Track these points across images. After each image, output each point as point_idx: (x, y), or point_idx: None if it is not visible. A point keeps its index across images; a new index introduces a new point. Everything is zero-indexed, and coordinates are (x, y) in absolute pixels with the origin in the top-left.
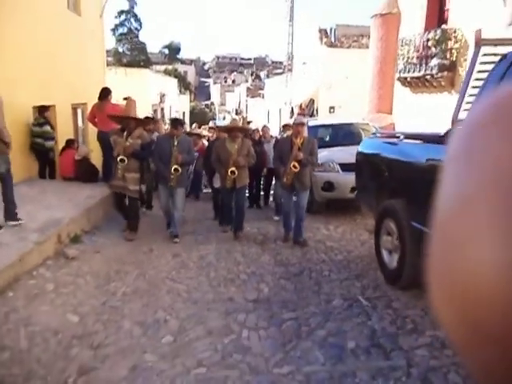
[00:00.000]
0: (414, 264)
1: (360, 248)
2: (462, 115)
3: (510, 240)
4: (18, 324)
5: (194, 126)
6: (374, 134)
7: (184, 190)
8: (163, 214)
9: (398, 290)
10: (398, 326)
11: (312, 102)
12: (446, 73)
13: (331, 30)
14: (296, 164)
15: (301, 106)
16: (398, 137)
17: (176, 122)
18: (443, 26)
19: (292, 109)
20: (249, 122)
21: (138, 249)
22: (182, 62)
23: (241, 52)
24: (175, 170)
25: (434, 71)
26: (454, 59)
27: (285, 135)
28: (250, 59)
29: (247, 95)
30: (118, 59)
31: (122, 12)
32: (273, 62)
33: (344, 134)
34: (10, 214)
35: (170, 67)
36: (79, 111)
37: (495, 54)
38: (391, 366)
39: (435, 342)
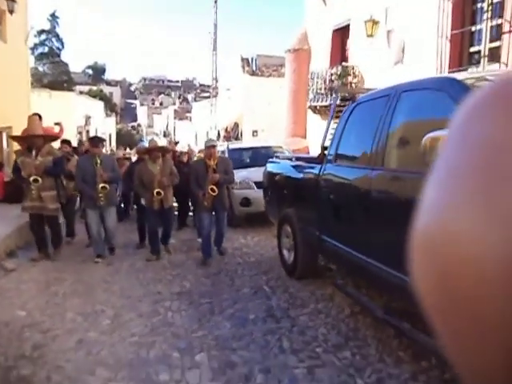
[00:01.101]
0: (304, 259)
1: (270, 252)
2: (327, 143)
3: (485, 206)
4: None
5: (125, 149)
6: (275, 156)
7: (115, 208)
8: (93, 242)
9: (295, 280)
10: (290, 303)
11: (237, 125)
12: (346, 103)
13: (252, 59)
14: (214, 187)
15: (226, 129)
16: (291, 159)
17: (96, 140)
18: (343, 63)
19: (218, 132)
20: (176, 143)
21: (73, 259)
22: (108, 83)
23: (168, 74)
24: (102, 188)
25: (337, 101)
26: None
27: (195, 158)
28: (177, 81)
29: (175, 117)
30: (37, 79)
31: (42, 31)
32: (200, 85)
33: (260, 156)
34: None
35: (94, 88)
36: (4, 135)
37: (348, 99)
38: (279, 327)
39: (315, 311)
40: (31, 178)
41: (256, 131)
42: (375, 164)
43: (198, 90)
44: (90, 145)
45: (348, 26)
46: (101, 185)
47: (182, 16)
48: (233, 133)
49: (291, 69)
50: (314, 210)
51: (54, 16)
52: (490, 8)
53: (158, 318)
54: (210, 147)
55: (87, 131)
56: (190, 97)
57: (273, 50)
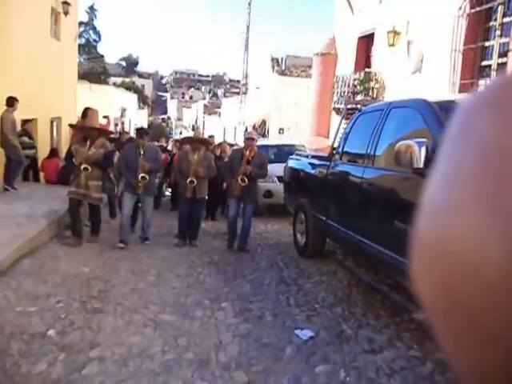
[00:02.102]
0: (313, 241)
1: (287, 238)
2: (336, 144)
3: (487, 211)
4: (51, 271)
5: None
6: (295, 154)
7: (152, 198)
8: (121, 226)
9: (305, 259)
10: (299, 275)
11: (264, 122)
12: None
13: (282, 59)
14: (244, 178)
15: (254, 125)
16: (307, 156)
17: (141, 131)
18: (366, 70)
19: (246, 128)
20: (211, 136)
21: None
22: (140, 75)
23: (199, 68)
24: (142, 177)
25: (359, 105)
26: (375, 96)
27: (236, 148)
28: (207, 76)
29: (204, 112)
30: None
31: (81, 23)
32: (230, 81)
33: (283, 153)
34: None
35: (127, 80)
36: (54, 124)
37: (355, 109)
38: (288, 290)
39: (319, 281)
40: (82, 166)
41: (282, 129)
42: (368, 163)
43: (228, 86)
44: (136, 136)
45: (373, 34)
46: (141, 175)
47: (215, 11)
48: (260, 129)
49: (318, 71)
50: (323, 199)
51: (92, 8)
52: (500, 27)
53: (192, 278)
54: (248, 139)
55: (122, 123)
56: (219, 92)
57: (302, 50)
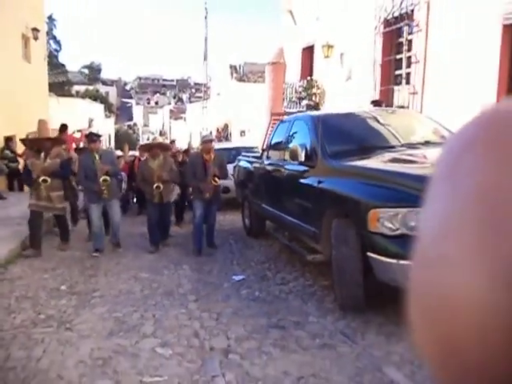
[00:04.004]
0: (255, 223)
1: (239, 224)
2: (268, 153)
3: (488, 265)
4: (51, 255)
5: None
6: (242, 154)
7: (118, 201)
8: (94, 236)
9: (251, 238)
10: (243, 247)
11: (226, 126)
12: (312, 110)
13: (240, 66)
14: (216, 179)
15: (218, 129)
16: (249, 156)
17: (92, 136)
18: (308, 78)
19: (211, 132)
20: (172, 141)
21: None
22: (103, 82)
23: (163, 73)
24: (104, 180)
25: (304, 109)
26: (317, 101)
27: (194, 152)
28: (172, 80)
29: (170, 117)
30: None
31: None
32: (195, 84)
33: (239, 154)
34: None
35: (91, 88)
36: None
37: (278, 119)
38: (233, 256)
39: (258, 251)
40: (40, 179)
41: (244, 131)
42: (280, 159)
43: (193, 90)
44: (87, 141)
45: (313, 46)
46: (102, 177)
47: (176, 15)
48: (223, 133)
49: (270, 79)
50: (258, 189)
51: (51, 18)
52: (407, 43)
53: (162, 252)
54: (207, 142)
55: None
56: (184, 96)
57: (259, 57)
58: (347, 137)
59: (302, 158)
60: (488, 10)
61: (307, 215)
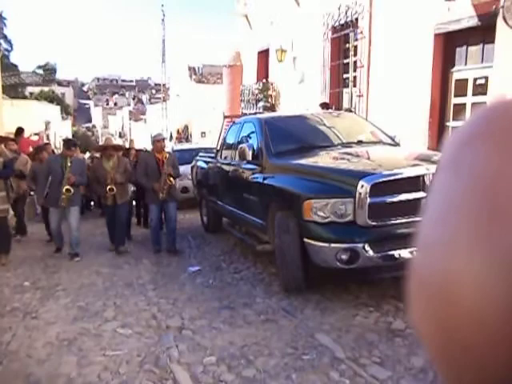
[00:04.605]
0: (212, 219)
1: (198, 222)
2: (221, 153)
3: (484, 250)
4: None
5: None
6: (199, 154)
7: (78, 208)
8: (54, 238)
9: (209, 234)
10: (201, 242)
11: (187, 127)
12: (268, 111)
13: (198, 68)
14: (171, 178)
15: (178, 130)
16: (205, 156)
17: (69, 143)
18: (264, 80)
19: (171, 133)
20: (131, 141)
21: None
22: (59, 83)
23: (122, 73)
24: (67, 190)
25: (260, 110)
26: (273, 102)
27: (144, 151)
28: (131, 81)
29: (130, 119)
30: None
31: None
32: (156, 85)
33: (197, 155)
34: None
35: (46, 89)
36: None
37: (232, 121)
38: (192, 251)
39: (215, 245)
40: None
41: (204, 132)
42: (231, 158)
43: (153, 91)
44: (63, 147)
45: (268, 49)
46: (66, 187)
47: (134, 15)
48: (183, 134)
49: (228, 81)
50: (212, 187)
51: (1, 16)
52: (353, 49)
53: (122, 249)
54: (160, 140)
55: (47, 135)
56: (144, 98)
57: (218, 59)
58: (290, 137)
59: (250, 157)
60: (422, 19)
61: (255, 209)
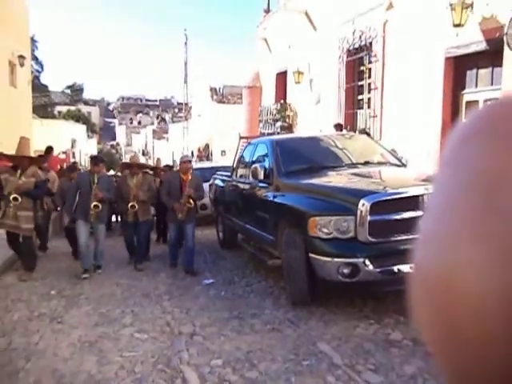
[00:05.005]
0: (228, 236)
1: (215, 238)
2: (237, 172)
3: (484, 244)
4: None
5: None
6: (216, 173)
7: (104, 226)
8: (81, 255)
9: (224, 250)
10: (216, 257)
11: (207, 146)
12: (285, 131)
13: (219, 88)
14: (190, 200)
15: (199, 149)
16: (222, 175)
17: (96, 160)
18: (282, 101)
19: (192, 152)
20: (158, 160)
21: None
22: (86, 102)
23: (146, 93)
24: (95, 206)
25: (278, 130)
26: (291, 123)
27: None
28: (155, 100)
29: (153, 137)
30: None
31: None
32: (178, 104)
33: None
34: None
35: (73, 108)
36: None
37: (247, 141)
38: (206, 265)
39: (231, 260)
40: (11, 196)
41: (224, 151)
42: (245, 176)
43: (176, 110)
44: (91, 163)
45: (286, 71)
46: (94, 203)
47: (158, 38)
48: (204, 153)
49: (247, 102)
50: (229, 204)
51: (32, 40)
52: (367, 71)
53: (143, 266)
54: (186, 162)
55: (73, 153)
56: (167, 116)
57: (238, 80)
58: (300, 158)
59: (262, 176)
60: (433, 44)
61: (266, 226)
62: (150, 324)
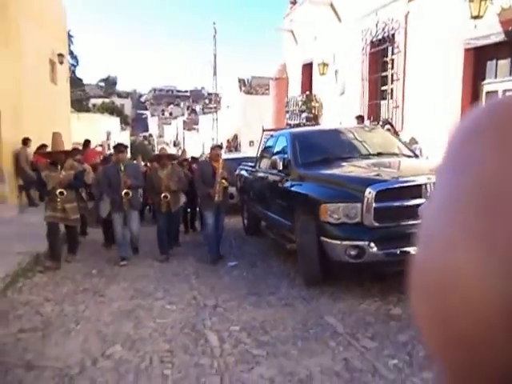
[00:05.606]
0: (252, 223)
1: (240, 225)
2: (260, 162)
3: (484, 244)
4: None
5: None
6: (242, 163)
7: (137, 212)
8: (118, 245)
9: (248, 235)
10: (241, 243)
11: (236, 137)
12: (311, 122)
13: (247, 80)
14: (224, 181)
15: (228, 140)
16: (247, 165)
17: (119, 147)
18: (307, 92)
19: (221, 143)
20: (183, 151)
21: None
22: (119, 95)
23: (177, 84)
24: (126, 193)
25: (304, 121)
26: (316, 113)
27: (202, 160)
28: (186, 91)
29: (184, 128)
30: None
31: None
32: (209, 94)
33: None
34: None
35: (107, 100)
36: None
37: (270, 134)
38: (231, 250)
39: (253, 244)
40: (58, 191)
41: (252, 141)
42: (267, 167)
43: (206, 101)
44: (114, 152)
45: (312, 63)
46: (124, 191)
47: (187, 26)
48: (233, 143)
49: (274, 93)
50: (252, 193)
51: (68, 35)
52: (391, 62)
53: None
54: (215, 148)
55: (108, 145)
56: (198, 107)
57: (266, 71)
58: (316, 150)
59: (281, 166)
60: (453, 35)
61: (285, 213)
62: (179, 298)
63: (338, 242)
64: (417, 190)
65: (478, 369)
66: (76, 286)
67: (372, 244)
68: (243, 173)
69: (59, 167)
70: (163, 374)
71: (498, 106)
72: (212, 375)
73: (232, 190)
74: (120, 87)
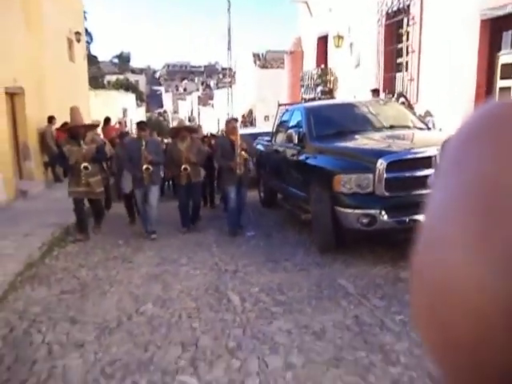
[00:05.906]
0: (268, 195)
1: (257, 198)
2: (276, 137)
3: (487, 247)
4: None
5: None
6: (258, 138)
7: (158, 187)
8: (143, 221)
9: (264, 207)
10: (258, 215)
11: (251, 112)
12: (326, 96)
13: (262, 54)
14: (244, 152)
15: (243, 115)
16: (263, 140)
17: (142, 124)
18: (322, 66)
19: (236, 118)
20: (199, 126)
21: None
22: (133, 71)
23: (191, 59)
24: (146, 169)
25: (319, 95)
26: (332, 87)
27: (219, 134)
28: (200, 67)
29: (199, 103)
30: None
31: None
32: (223, 69)
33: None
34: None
35: (121, 77)
36: None
37: (286, 108)
38: (249, 221)
39: (270, 216)
40: (82, 166)
41: (267, 116)
42: (282, 141)
43: (220, 75)
44: (137, 129)
45: (327, 36)
46: (144, 166)
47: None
48: (248, 118)
49: (289, 67)
50: (269, 167)
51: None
52: (406, 34)
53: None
54: (231, 121)
55: (125, 121)
56: (212, 82)
57: (281, 45)
58: (330, 123)
59: (296, 140)
60: (469, 5)
61: (300, 184)
62: (202, 264)
63: (351, 211)
64: (427, 161)
65: (478, 369)
66: (106, 254)
67: (383, 212)
68: (259, 147)
69: (81, 141)
70: (192, 326)
71: (494, 108)
72: (235, 328)
73: (250, 164)
74: (134, 63)
